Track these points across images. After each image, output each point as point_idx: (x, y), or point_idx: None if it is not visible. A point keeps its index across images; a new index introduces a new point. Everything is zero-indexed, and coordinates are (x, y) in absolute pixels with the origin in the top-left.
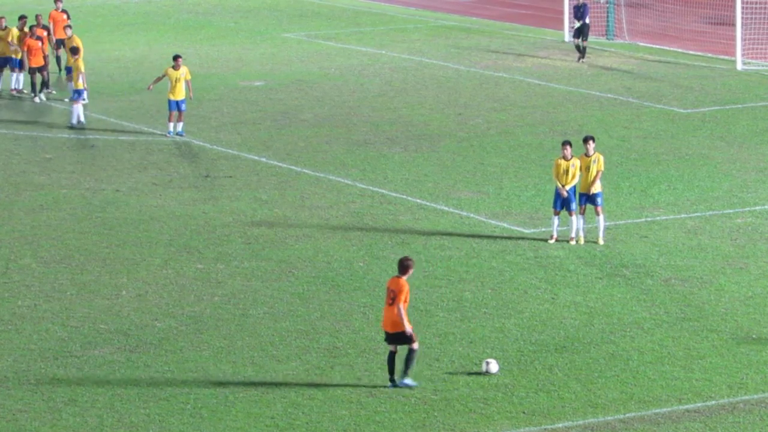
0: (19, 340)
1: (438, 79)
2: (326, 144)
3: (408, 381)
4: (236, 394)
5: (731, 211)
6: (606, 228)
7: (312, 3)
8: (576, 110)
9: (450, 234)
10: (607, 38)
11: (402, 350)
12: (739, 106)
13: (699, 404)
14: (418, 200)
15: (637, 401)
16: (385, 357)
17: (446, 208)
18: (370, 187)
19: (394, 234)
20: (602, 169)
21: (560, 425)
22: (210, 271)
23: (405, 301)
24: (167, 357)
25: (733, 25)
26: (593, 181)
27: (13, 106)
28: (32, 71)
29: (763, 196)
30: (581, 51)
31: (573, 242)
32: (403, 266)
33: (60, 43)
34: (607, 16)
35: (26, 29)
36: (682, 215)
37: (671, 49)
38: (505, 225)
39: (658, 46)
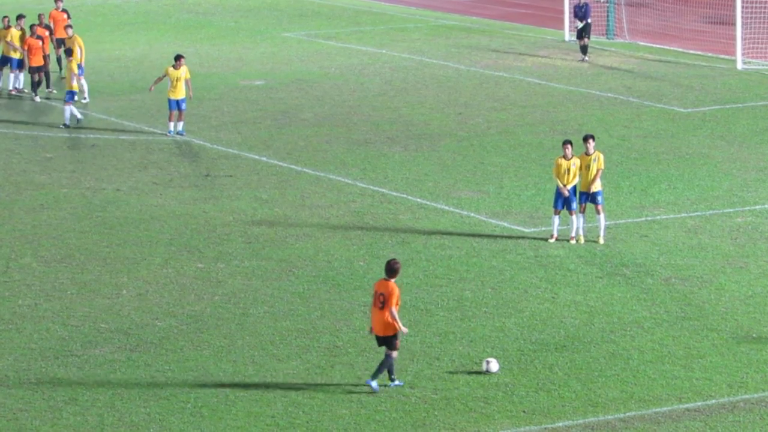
0: (19, 339)
1: (438, 78)
2: (326, 143)
3: (373, 383)
4: (237, 393)
5: (731, 210)
6: (606, 227)
7: (312, 2)
8: (576, 110)
9: (450, 233)
10: (607, 38)
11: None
12: (740, 105)
13: (699, 403)
14: (419, 199)
15: (638, 400)
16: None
17: (446, 208)
18: (371, 187)
19: (394, 233)
20: (602, 167)
21: (560, 424)
22: (210, 270)
23: (396, 305)
24: (168, 356)
25: (734, 24)
26: (593, 180)
27: (13, 105)
28: (32, 71)
29: (763, 196)
30: (585, 50)
31: (573, 241)
32: (392, 269)
33: (60, 42)
34: (608, 16)
35: (24, 27)
36: (683, 214)
37: (671, 48)
38: (506, 224)
39: (658, 46)
